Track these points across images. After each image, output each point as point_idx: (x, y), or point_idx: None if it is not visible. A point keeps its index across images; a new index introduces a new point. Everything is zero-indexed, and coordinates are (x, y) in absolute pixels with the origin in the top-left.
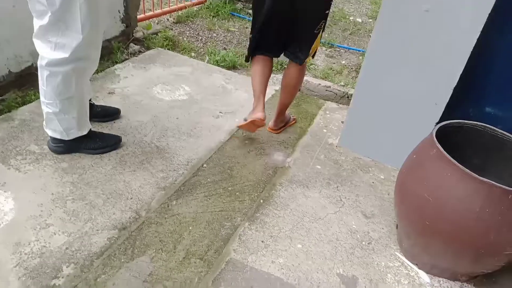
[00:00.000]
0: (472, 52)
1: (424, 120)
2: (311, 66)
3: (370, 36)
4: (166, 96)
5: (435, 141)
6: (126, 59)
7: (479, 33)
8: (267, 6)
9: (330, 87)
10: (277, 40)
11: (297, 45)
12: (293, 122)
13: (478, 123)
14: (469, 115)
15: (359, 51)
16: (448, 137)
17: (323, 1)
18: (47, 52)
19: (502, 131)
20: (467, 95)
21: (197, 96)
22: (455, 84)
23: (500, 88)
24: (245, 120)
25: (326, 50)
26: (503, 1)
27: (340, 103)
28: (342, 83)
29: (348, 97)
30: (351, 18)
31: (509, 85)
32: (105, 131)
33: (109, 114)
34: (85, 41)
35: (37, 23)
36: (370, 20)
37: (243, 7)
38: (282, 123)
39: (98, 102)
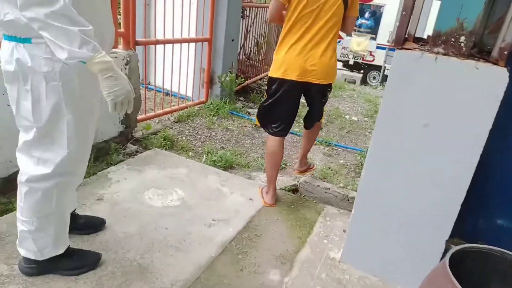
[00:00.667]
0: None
1: (433, 236)
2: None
3: (366, 134)
4: (157, 201)
5: (450, 274)
6: (122, 161)
7: (482, 147)
8: (292, 104)
9: (329, 188)
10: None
11: (314, 117)
12: (313, 167)
13: (494, 248)
14: (479, 227)
15: (356, 150)
16: (462, 262)
17: (327, 87)
18: (28, 167)
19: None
20: (476, 206)
21: (190, 201)
22: (462, 199)
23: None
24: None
25: (324, 148)
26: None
27: (341, 207)
28: (341, 184)
29: (348, 199)
30: (346, 116)
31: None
32: (86, 245)
33: (93, 225)
34: (71, 156)
35: (22, 138)
36: (366, 118)
37: (242, 106)
38: (305, 165)
39: (84, 210)
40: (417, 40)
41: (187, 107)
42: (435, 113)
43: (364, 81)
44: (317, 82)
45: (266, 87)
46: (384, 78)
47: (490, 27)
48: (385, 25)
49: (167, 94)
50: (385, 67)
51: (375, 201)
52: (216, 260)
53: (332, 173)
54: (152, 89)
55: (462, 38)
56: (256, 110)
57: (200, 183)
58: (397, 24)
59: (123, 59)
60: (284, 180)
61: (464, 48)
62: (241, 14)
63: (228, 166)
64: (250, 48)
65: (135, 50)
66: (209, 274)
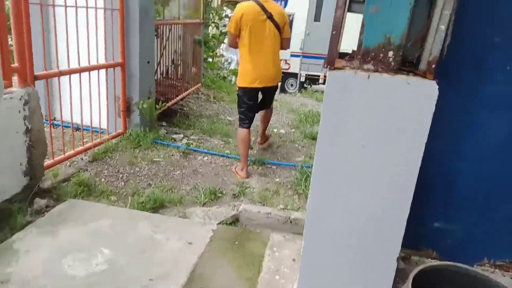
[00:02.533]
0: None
1: (385, 255)
2: (247, 190)
3: (296, 147)
4: (80, 269)
5: None
6: (30, 223)
7: (420, 160)
8: (253, 103)
9: (270, 213)
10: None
11: (267, 104)
12: (271, 135)
13: (450, 263)
14: (421, 233)
15: (290, 165)
16: (426, 279)
17: (276, 86)
18: None
19: (474, 270)
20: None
21: (120, 260)
22: (407, 215)
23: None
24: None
25: (257, 168)
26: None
27: (285, 231)
28: (281, 206)
29: (291, 221)
30: (274, 130)
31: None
32: None
33: None
34: None
35: None
36: (293, 130)
37: (167, 133)
38: (265, 137)
39: None
40: (342, 55)
41: (103, 142)
42: (373, 130)
43: (282, 89)
44: (271, 85)
45: (237, 95)
46: (301, 85)
47: (412, 39)
48: (296, 34)
49: (77, 129)
50: (300, 74)
51: (323, 227)
52: None
53: (270, 194)
54: (59, 126)
55: (391, 53)
56: (181, 136)
57: (129, 235)
58: (328, 43)
59: (20, 99)
60: (222, 212)
61: (393, 63)
62: (155, 33)
63: (158, 206)
64: (167, 67)
65: (34, 86)
66: None
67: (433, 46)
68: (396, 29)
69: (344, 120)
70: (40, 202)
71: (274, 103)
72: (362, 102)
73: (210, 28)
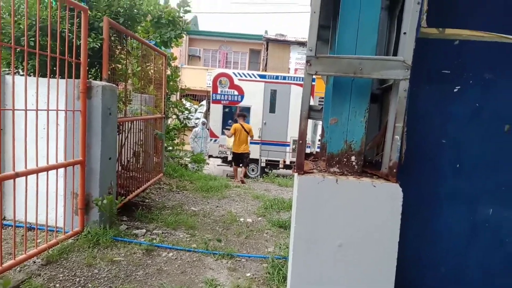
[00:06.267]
0: None
1: None
2: None
3: (264, 236)
4: None
5: None
6: None
7: (396, 257)
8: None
9: None
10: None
11: (244, 163)
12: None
13: None
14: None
15: (260, 257)
16: None
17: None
18: None
19: None
20: None
21: None
22: None
23: None
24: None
25: (227, 262)
26: None
27: None
28: None
29: None
30: (241, 219)
31: None
32: None
33: None
34: None
35: None
36: (260, 218)
37: (127, 228)
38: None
39: None
40: (306, 155)
41: (58, 243)
42: (346, 230)
43: (244, 175)
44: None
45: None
46: (262, 169)
47: (368, 144)
48: (254, 123)
49: (31, 228)
50: (261, 159)
51: None
52: None
53: None
54: (11, 226)
55: (353, 158)
56: (144, 230)
57: None
58: (296, 153)
59: None
60: None
61: (356, 167)
62: (117, 130)
63: None
64: (128, 159)
65: None
66: None
67: (392, 153)
68: (355, 137)
69: (318, 221)
70: None
71: (238, 190)
72: (333, 203)
73: (170, 120)
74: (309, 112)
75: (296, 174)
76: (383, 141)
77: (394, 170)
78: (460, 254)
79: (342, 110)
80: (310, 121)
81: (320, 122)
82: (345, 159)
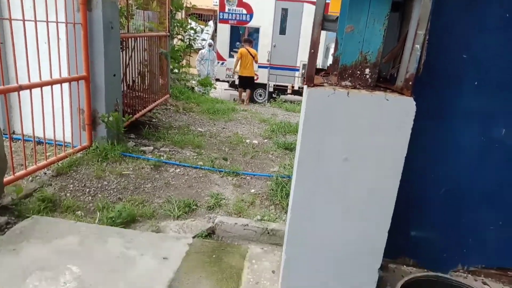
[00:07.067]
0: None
1: (367, 266)
2: (222, 202)
3: (270, 157)
4: None
5: None
6: None
7: (400, 174)
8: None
9: (247, 225)
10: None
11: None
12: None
13: (430, 273)
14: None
15: (265, 176)
16: None
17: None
18: None
19: (455, 279)
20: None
21: (90, 279)
22: (388, 227)
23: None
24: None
25: (232, 179)
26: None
27: (262, 242)
28: (258, 217)
29: (268, 232)
30: (247, 141)
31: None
32: None
33: None
34: None
35: None
36: (266, 140)
37: (135, 145)
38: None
39: None
40: (317, 71)
41: (67, 156)
42: (353, 145)
43: (252, 99)
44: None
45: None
46: (270, 95)
47: (386, 57)
48: (263, 45)
49: (39, 142)
50: (269, 84)
51: (304, 240)
52: None
53: (246, 206)
54: (20, 139)
55: (367, 70)
56: (151, 148)
57: (99, 252)
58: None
59: None
60: (197, 225)
61: (369, 80)
62: (120, 46)
63: (130, 221)
64: (133, 79)
65: None
66: None
67: (410, 64)
68: (372, 48)
69: (324, 135)
70: (0, 220)
71: (245, 113)
72: (342, 117)
73: (175, 40)
74: (323, 22)
75: (305, 87)
76: (401, 53)
77: (410, 83)
78: (469, 172)
79: (360, 16)
80: (321, 44)
81: (332, 45)
82: (358, 72)
